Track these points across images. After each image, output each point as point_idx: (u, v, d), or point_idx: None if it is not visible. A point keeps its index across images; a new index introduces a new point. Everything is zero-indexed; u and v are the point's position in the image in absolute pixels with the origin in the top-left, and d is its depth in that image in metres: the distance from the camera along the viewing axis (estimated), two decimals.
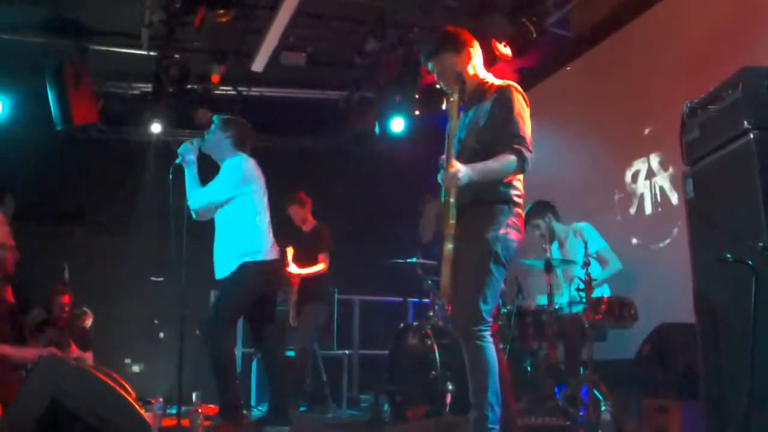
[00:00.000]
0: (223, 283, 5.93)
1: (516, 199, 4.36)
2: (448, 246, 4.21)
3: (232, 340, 6.14)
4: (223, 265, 5.92)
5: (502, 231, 4.24)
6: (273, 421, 5.94)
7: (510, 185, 4.35)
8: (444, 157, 4.20)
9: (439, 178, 4.22)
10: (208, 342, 5.77)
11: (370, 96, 10.39)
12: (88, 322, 8.85)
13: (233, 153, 6.08)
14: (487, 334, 4.13)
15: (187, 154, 5.95)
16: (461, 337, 4.20)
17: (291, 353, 8.85)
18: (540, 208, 7.07)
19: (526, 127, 4.29)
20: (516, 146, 4.20)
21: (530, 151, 4.23)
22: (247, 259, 5.83)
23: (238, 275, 5.83)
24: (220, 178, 5.98)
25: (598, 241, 6.75)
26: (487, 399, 4.04)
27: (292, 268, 8.31)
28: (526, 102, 4.41)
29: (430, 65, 4.62)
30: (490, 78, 4.58)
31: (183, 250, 5.51)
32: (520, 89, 4.44)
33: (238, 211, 5.93)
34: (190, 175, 5.95)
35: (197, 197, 5.91)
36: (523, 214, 4.46)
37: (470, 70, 4.53)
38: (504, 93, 4.37)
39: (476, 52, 4.59)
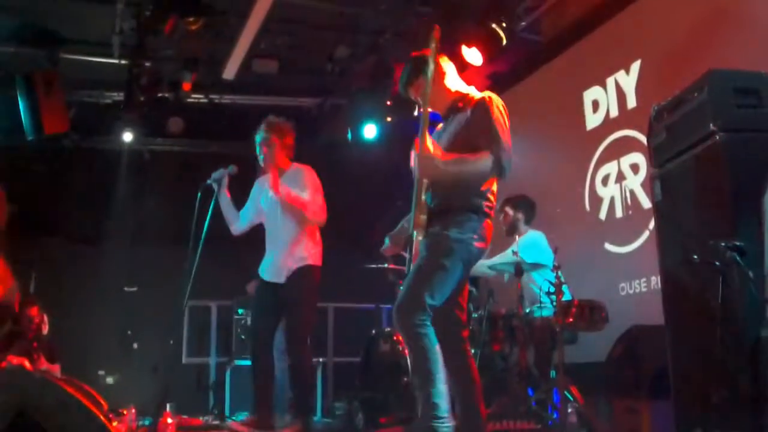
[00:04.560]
0: None
1: (486, 209, 4.33)
2: (419, 238, 4.19)
3: None
4: None
5: (465, 235, 4.21)
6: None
7: (483, 196, 4.33)
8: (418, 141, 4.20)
9: (413, 161, 4.23)
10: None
11: (343, 102, 10.41)
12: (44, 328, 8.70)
13: None
14: (428, 323, 4.03)
15: None
16: (400, 327, 4.10)
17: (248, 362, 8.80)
18: (519, 200, 7.07)
19: (505, 135, 4.25)
20: (494, 148, 4.17)
21: (509, 155, 4.18)
22: None
23: None
24: None
25: (531, 253, 6.61)
26: (435, 387, 3.94)
27: None
28: (505, 111, 4.37)
29: (410, 95, 4.60)
30: (471, 91, 4.55)
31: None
32: (500, 100, 4.40)
33: None
34: None
35: None
36: (492, 224, 4.45)
37: (448, 85, 4.52)
38: (483, 104, 4.34)
39: (448, 66, 4.56)
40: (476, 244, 4.25)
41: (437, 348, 4.03)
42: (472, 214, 4.27)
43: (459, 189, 4.29)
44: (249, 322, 9.07)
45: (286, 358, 6.01)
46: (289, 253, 6.07)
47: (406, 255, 4.46)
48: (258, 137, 6.26)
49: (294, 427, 5.88)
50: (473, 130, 4.30)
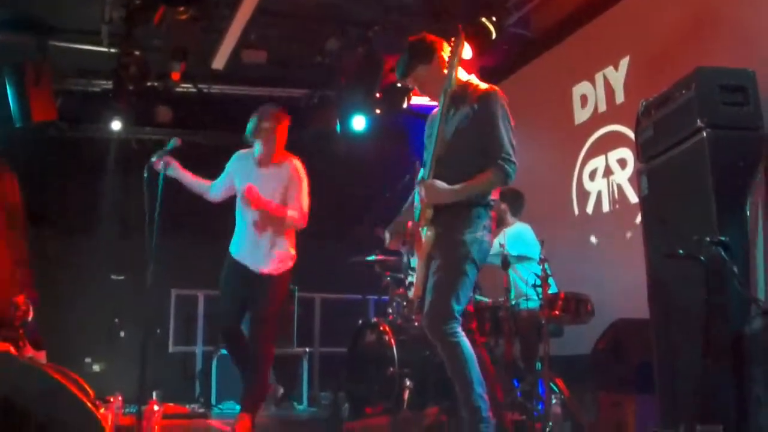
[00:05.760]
0: None
1: (491, 202, 4.39)
2: (428, 233, 4.26)
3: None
4: None
5: (478, 233, 4.27)
6: None
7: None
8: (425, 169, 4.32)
9: (416, 191, 4.31)
10: None
11: (332, 94, 10.40)
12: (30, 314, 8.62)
13: None
14: (459, 329, 4.14)
15: None
16: (433, 336, 4.18)
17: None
18: (505, 192, 7.07)
19: (511, 135, 4.29)
20: (500, 162, 4.20)
21: (513, 162, 4.23)
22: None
23: None
24: None
25: (517, 246, 6.60)
26: (474, 391, 4.05)
27: None
28: (508, 107, 4.38)
29: (409, 84, 4.64)
30: (473, 80, 4.53)
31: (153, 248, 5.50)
32: (503, 94, 4.41)
33: None
34: None
35: None
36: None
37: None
38: (487, 100, 4.34)
39: (448, 53, 4.46)
40: (487, 237, 4.34)
41: (471, 351, 4.13)
42: (480, 208, 4.33)
43: None
44: None
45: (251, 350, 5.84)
46: (275, 245, 5.96)
47: (406, 247, 4.55)
48: (258, 126, 6.03)
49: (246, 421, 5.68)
50: (479, 130, 4.31)
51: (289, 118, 6.15)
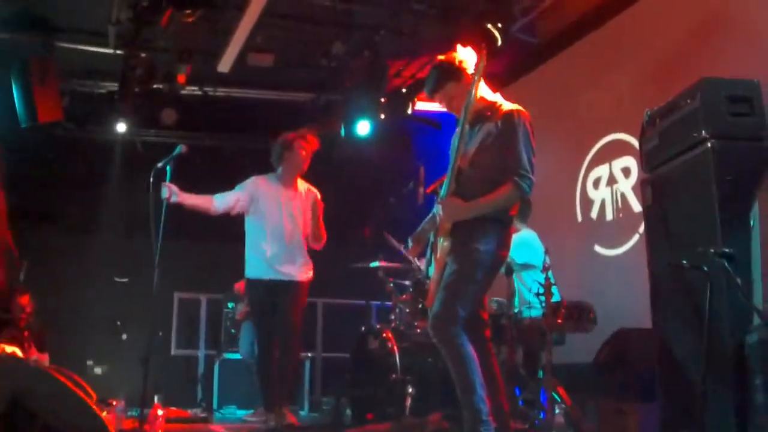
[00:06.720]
0: None
1: (510, 217, 4.48)
2: (445, 244, 4.37)
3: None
4: None
5: (493, 245, 4.34)
6: None
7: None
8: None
9: (435, 208, 4.44)
10: None
11: (337, 98, 10.41)
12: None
13: None
14: (462, 333, 4.20)
15: None
16: (437, 338, 4.26)
17: (237, 356, 9.02)
18: None
19: (530, 154, 4.34)
20: (515, 178, 4.26)
21: (530, 178, 4.29)
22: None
23: None
24: None
25: (522, 253, 6.61)
26: (476, 394, 4.11)
27: None
28: (531, 127, 4.44)
29: (436, 100, 4.71)
30: (498, 99, 4.60)
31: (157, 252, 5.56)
32: (526, 113, 4.47)
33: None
34: None
35: None
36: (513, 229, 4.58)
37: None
38: (511, 119, 4.41)
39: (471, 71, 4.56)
40: (501, 252, 4.41)
41: (473, 355, 4.20)
42: (498, 223, 4.40)
43: None
44: (236, 315, 9.12)
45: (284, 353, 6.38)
46: (303, 255, 6.53)
47: (426, 256, 4.70)
48: (284, 154, 6.55)
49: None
50: (500, 147, 4.38)
51: (315, 141, 6.70)
